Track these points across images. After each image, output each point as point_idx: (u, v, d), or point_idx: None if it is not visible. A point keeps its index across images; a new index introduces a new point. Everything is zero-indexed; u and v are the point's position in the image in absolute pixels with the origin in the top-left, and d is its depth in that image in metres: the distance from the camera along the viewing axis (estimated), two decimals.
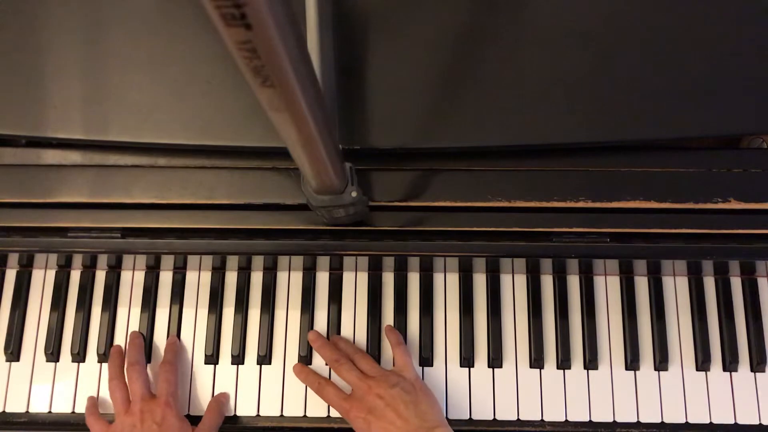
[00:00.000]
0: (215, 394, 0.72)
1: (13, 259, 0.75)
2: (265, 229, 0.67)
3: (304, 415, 0.72)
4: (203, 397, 0.72)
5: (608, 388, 0.72)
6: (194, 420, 0.70)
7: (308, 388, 0.72)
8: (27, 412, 0.72)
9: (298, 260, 0.73)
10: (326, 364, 0.72)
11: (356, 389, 0.67)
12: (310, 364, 0.73)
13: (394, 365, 0.71)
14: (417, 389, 0.66)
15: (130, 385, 0.69)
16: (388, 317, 0.74)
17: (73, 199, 0.67)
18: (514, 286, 0.75)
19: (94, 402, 0.71)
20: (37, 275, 0.76)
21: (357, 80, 0.66)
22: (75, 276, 0.76)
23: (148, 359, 0.73)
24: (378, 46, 0.67)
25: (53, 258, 0.74)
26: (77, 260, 0.75)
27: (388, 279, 0.75)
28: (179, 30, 0.67)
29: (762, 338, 0.73)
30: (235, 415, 0.72)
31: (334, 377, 0.71)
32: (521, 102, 0.66)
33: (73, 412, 0.72)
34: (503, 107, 0.66)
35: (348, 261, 0.74)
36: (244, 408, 0.72)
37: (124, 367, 0.71)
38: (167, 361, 0.71)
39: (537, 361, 0.72)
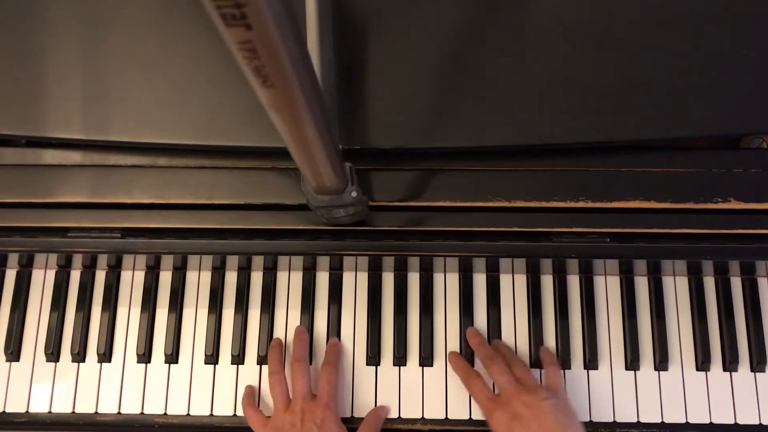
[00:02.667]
0: (216, 393, 0.72)
1: (13, 259, 0.75)
2: (265, 229, 0.67)
3: None
4: (202, 397, 0.72)
5: (608, 388, 0.72)
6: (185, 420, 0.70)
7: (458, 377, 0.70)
8: (27, 412, 0.72)
9: (298, 260, 0.73)
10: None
11: (504, 392, 0.65)
12: (311, 364, 0.73)
13: (544, 383, 0.69)
14: (569, 412, 0.64)
15: (293, 382, 0.68)
16: (388, 317, 0.74)
17: (73, 199, 0.67)
18: (514, 286, 0.75)
19: (253, 391, 0.71)
20: (37, 275, 0.76)
21: (357, 80, 0.66)
22: (75, 276, 0.76)
23: (149, 359, 0.73)
24: (378, 45, 0.67)
25: (53, 258, 0.74)
26: (77, 260, 0.75)
27: (388, 279, 0.75)
28: (179, 30, 0.67)
29: (762, 338, 0.73)
30: (234, 415, 0.72)
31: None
32: (521, 102, 0.66)
33: (73, 412, 0.72)
34: (503, 107, 0.66)
35: (348, 261, 0.74)
36: None
37: (283, 361, 0.71)
38: (329, 362, 0.70)
39: (537, 361, 0.72)
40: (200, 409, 0.72)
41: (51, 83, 0.67)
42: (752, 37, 0.67)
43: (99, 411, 0.72)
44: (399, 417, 0.71)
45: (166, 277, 0.76)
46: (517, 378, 0.67)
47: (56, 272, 0.76)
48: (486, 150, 0.67)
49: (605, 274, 0.75)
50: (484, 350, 0.70)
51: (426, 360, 0.72)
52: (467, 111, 0.66)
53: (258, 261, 0.74)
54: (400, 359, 0.73)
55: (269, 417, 0.68)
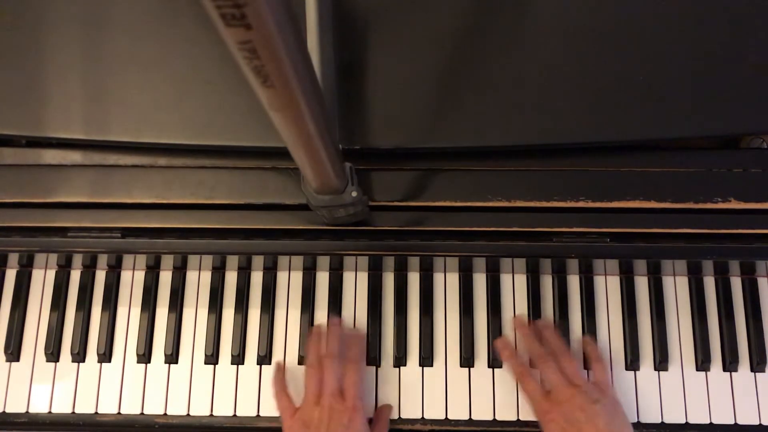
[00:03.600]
0: (216, 393, 0.72)
1: (13, 259, 0.75)
2: (265, 229, 0.67)
3: None
4: (202, 397, 0.72)
5: None
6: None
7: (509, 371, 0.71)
8: (27, 412, 0.72)
9: (298, 260, 0.73)
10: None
11: (558, 392, 0.66)
12: None
13: (591, 378, 0.69)
14: (618, 412, 0.65)
15: (324, 375, 0.67)
16: (388, 317, 0.74)
17: (73, 199, 0.67)
18: (514, 286, 0.75)
19: (283, 375, 0.71)
20: (37, 275, 0.76)
21: (357, 80, 0.66)
22: (75, 276, 0.76)
23: (148, 359, 0.73)
24: (378, 46, 0.67)
25: (53, 258, 0.74)
26: (77, 260, 0.75)
27: (388, 279, 0.75)
28: (179, 30, 0.67)
29: (762, 338, 0.73)
30: (234, 415, 0.72)
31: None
32: (521, 102, 0.66)
33: (73, 412, 0.72)
34: (503, 107, 0.66)
35: (348, 261, 0.74)
36: (244, 408, 0.72)
37: (318, 358, 0.70)
38: (354, 360, 0.69)
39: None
40: (200, 409, 0.72)
41: (51, 83, 0.67)
42: (752, 37, 0.67)
43: (99, 411, 0.72)
44: (399, 417, 0.71)
45: (166, 277, 0.76)
46: (567, 374, 0.67)
47: (56, 272, 0.76)
48: (486, 150, 0.67)
49: (605, 274, 0.75)
50: (535, 347, 0.70)
51: (426, 360, 0.72)
52: (467, 111, 0.66)
53: (258, 261, 0.74)
54: (400, 359, 0.73)
55: (298, 408, 0.68)
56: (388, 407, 0.71)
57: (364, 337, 0.72)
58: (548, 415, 0.65)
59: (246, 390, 0.72)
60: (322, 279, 0.75)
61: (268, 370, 0.73)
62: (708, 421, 0.70)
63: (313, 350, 0.70)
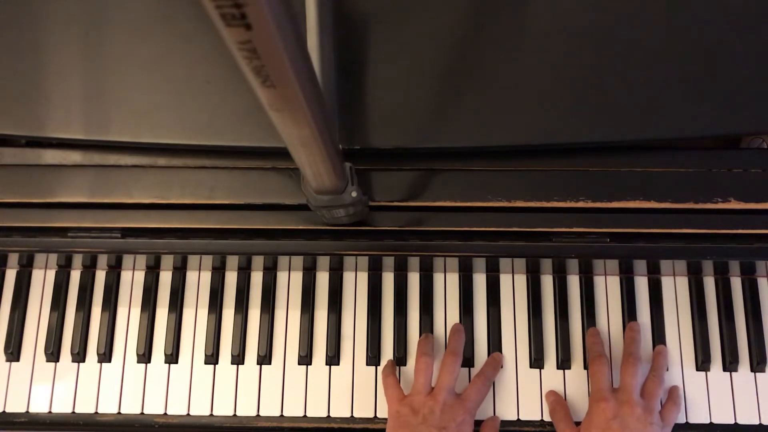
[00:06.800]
0: (216, 393, 0.72)
1: (13, 259, 0.75)
2: (265, 229, 0.67)
3: (304, 415, 0.72)
4: (202, 397, 0.72)
5: None
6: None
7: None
8: (27, 412, 0.72)
9: (298, 260, 0.73)
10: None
11: (626, 394, 0.66)
12: (311, 364, 0.73)
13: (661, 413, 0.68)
14: None
15: (443, 372, 0.68)
16: (388, 317, 0.74)
17: (73, 199, 0.67)
18: (514, 286, 0.75)
19: (394, 366, 0.71)
20: (37, 275, 0.76)
21: (357, 80, 0.66)
22: (75, 276, 0.76)
23: (148, 359, 0.73)
24: (378, 46, 0.67)
25: (53, 258, 0.74)
26: (77, 260, 0.75)
27: (388, 279, 0.75)
28: (179, 30, 0.67)
29: (762, 338, 0.73)
30: (234, 415, 0.72)
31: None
32: (521, 102, 0.66)
33: (73, 412, 0.72)
34: (503, 107, 0.66)
35: (348, 261, 0.74)
36: (244, 408, 0.72)
37: (432, 348, 0.71)
38: (485, 374, 0.70)
39: (537, 361, 0.72)
40: (200, 409, 0.72)
41: (51, 83, 0.67)
42: (752, 37, 0.67)
43: (99, 411, 0.72)
44: None
45: (166, 277, 0.76)
46: (646, 390, 0.68)
47: (56, 272, 0.76)
48: (486, 150, 0.67)
49: (605, 274, 0.75)
50: (635, 350, 0.70)
51: None
52: (467, 111, 0.66)
53: (258, 261, 0.74)
54: (400, 359, 0.73)
55: (406, 396, 0.68)
56: (496, 419, 0.71)
57: (499, 357, 0.72)
58: (603, 404, 0.65)
59: (246, 390, 0.72)
60: (322, 279, 0.75)
61: (268, 370, 0.73)
62: (708, 421, 0.70)
63: (425, 343, 0.71)
